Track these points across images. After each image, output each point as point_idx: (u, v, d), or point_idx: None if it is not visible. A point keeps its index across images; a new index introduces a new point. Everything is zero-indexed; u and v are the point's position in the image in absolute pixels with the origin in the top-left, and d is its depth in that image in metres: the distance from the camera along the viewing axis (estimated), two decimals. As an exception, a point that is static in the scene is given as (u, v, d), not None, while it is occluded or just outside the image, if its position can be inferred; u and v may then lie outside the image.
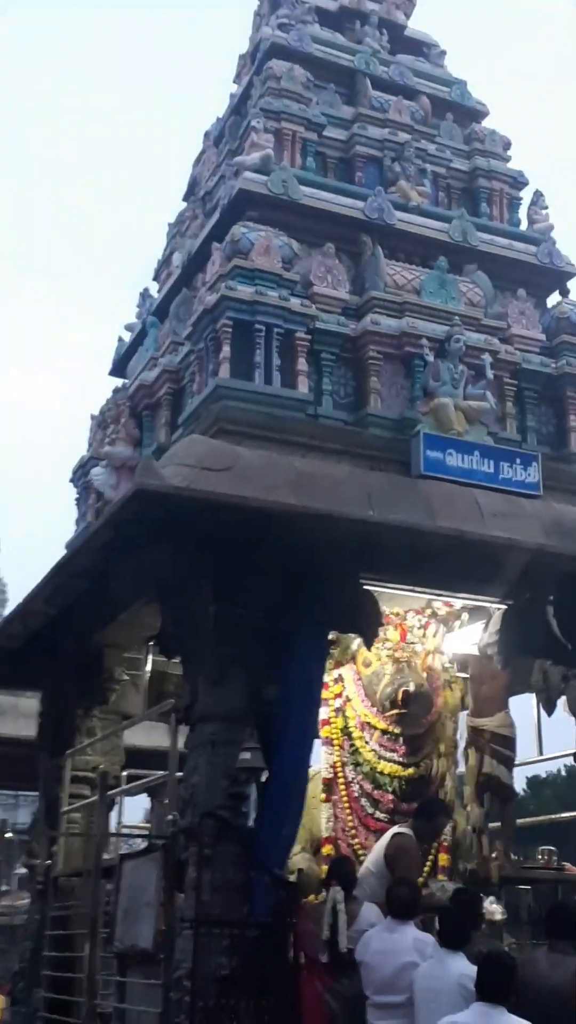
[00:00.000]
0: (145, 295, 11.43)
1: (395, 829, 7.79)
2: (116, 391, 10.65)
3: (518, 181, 10.37)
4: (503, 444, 8.49)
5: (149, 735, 10.20)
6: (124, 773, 10.26)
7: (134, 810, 14.51)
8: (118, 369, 11.34)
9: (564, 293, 9.88)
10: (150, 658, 8.88)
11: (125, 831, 11.55)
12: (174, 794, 7.00)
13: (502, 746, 8.87)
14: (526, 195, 10.35)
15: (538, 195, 10.30)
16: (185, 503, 6.41)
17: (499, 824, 9.06)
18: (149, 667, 8.95)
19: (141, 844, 9.37)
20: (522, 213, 10.30)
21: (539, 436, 9.03)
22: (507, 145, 10.54)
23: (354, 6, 11.01)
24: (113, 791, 9.75)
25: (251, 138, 9.17)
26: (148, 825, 12.69)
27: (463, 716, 9.13)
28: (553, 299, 9.86)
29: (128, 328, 11.41)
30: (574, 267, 9.92)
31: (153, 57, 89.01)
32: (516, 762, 9.27)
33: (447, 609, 8.87)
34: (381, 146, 9.77)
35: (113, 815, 10.46)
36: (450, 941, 5.66)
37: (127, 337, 11.35)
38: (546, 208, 10.23)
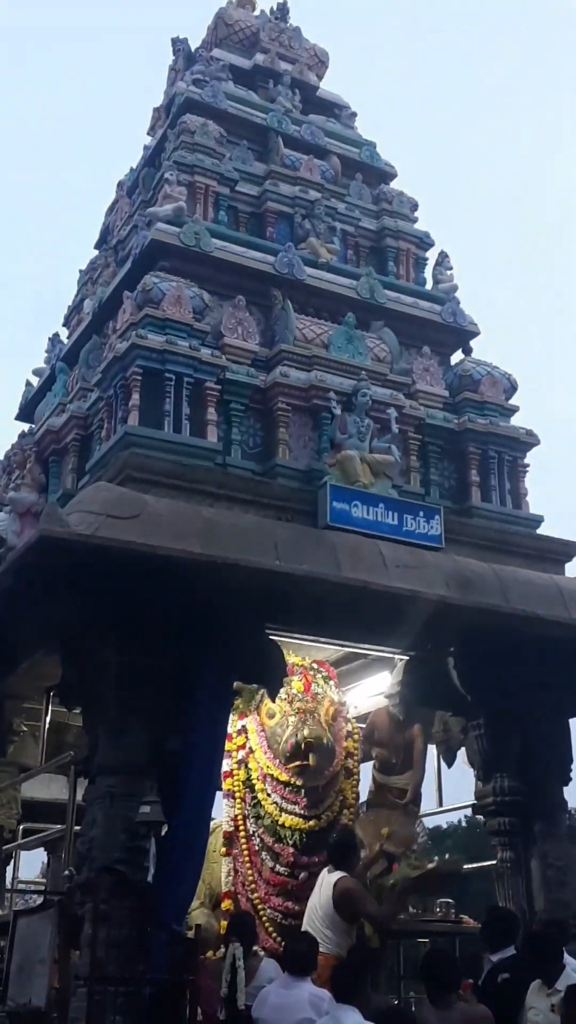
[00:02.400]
0: (55, 340, 11.39)
1: (333, 878, 7.35)
2: (22, 436, 10.53)
3: (424, 242, 10.66)
4: (407, 497, 8.63)
5: (48, 788, 9.98)
6: (21, 827, 10.02)
7: (31, 865, 14.12)
8: (25, 414, 11.23)
9: (467, 351, 10.14)
10: (50, 708, 8.71)
11: (20, 886, 11.24)
12: (71, 848, 6.86)
13: (412, 803, 8.91)
14: (432, 255, 10.63)
15: (443, 256, 10.57)
16: (90, 551, 6.35)
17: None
18: (49, 718, 8.78)
19: (37, 900, 9.13)
20: (428, 273, 10.57)
21: (442, 490, 9.21)
22: (414, 206, 10.84)
23: (268, 65, 11.26)
24: (9, 845, 9.52)
25: (164, 190, 9.27)
26: (44, 880, 12.38)
27: (364, 768, 9.16)
28: (456, 357, 10.12)
29: (36, 373, 11.34)
30: (477, 326, 10.21)
31: (68, 100, 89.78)
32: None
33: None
34: (292, 203, 9.95)
35: (8, 870, 10.19)
36: (345, 996, 5.61)
37: (35, 382, 11.26)
38: (451, 269, 10.51)
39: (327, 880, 7.38)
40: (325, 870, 7.53)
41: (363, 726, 9.35)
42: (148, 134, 11.57)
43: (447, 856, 9.12)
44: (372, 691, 9.48)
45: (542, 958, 5.94)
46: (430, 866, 8.45)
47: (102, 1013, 6.04)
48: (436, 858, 8.89)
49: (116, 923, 6.34)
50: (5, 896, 9.71)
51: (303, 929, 7.19)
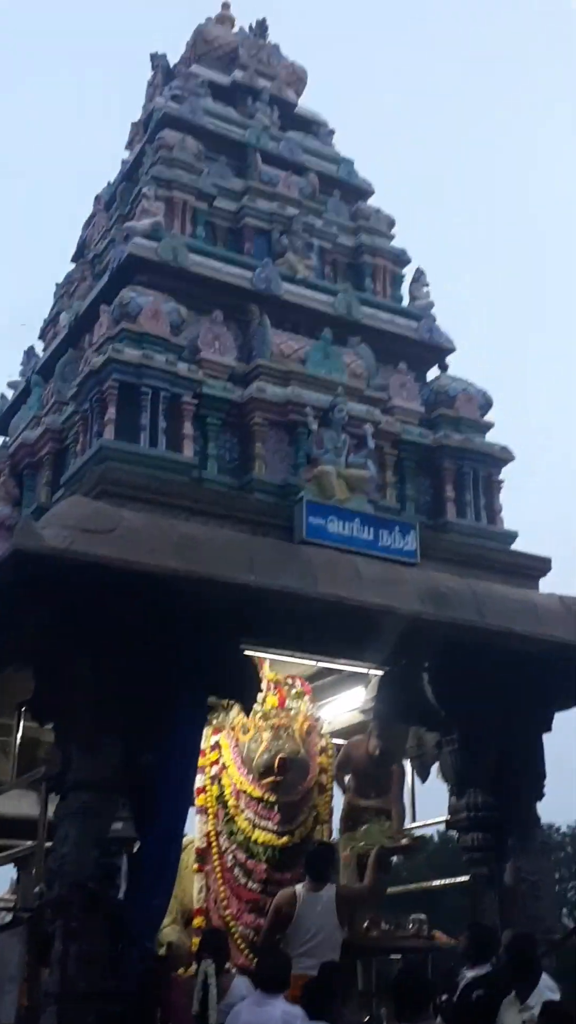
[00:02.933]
0: (30, 353, 11.35)
1: (330, 892, 7.48)
2: (-4, 448, 10.49)
3: (401, 258, 10.71)
4: (383, 512, 8.63)
5: (18, 804, 9.87)
6: (-10, 843, 9.90)
7: (-1, 881, 13.99)
8: (-1, 426, 11.19)
9: (443, 368, 10.19)
10: (22, 723, 8.65)
11: (-11, 903, 11.13)
12: (42, 865, 6.80)
13: (386, 819, 8.94)
14: (408, 272, 10.70)
15: (420, 273, 10.64)
16: (64, 565, 6.32)
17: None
18: (20, 733, 8.71)
19: (6, 917, 9.04)
20: (404, 289, 10.63)
21: (417, 505, 9.23)
22: (391, 224, 10.89)
23: (246, 82, 11.29)
24: (-22, 861, 9.41)
25: (142, 204, 9.28)
26: (14, 897, 12.26)
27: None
28: (433, 373, 10.17)
29: (11, 385, 11.29)
30: (452, 343, 10.26)
31: (45, 114, 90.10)
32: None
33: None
34: (270, 219, 9.98)
35: (-22, 886, 10.08)
36: (316, 1013, 5.59)
37: (10, 395, 11.22)
38: (427, 285, 10.57)
39: (326, 895, 7.37)
40: (302, 888, 7.45)
41: (338, 741, 9.34)
42: (126, 149, 11.59)
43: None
44: (346, 706, 9.48)
45: (516, 973, 5.94)
46: (404, 842, 8.57)
47: (73, 1031, 5.98)
48: (408, 834, 8.96)
49: (87, 940, 6.30)
50: (-25, 913, 9.60)
51: (310, 948, 7.12)
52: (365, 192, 11.25)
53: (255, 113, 11.03)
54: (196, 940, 7.83)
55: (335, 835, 9.13)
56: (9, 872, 13.17)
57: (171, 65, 11.52)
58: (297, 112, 11.64)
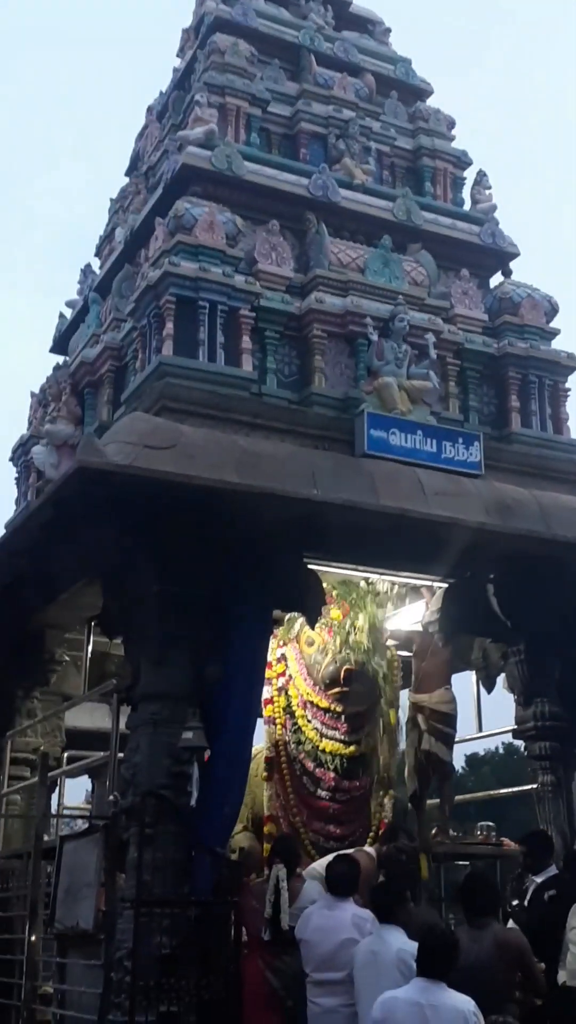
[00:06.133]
0: (87, 271, 11.28)
1: (366, 848, 7.67)
2: (57, 368, 10.49)
3: (462, 161, 10.38)
4: (446, 424, 8.52)
5: (91, 716, 10.12)
6: (65, 754, 10.18)
7: (75, 792, 14.45)
8: (59, 346, 11.18)
9: (507, 274, 9.92)
10: (92, 638, 8.80)
11: (65, 812, 11.48)
12: (115, 775, 6.96)
13: (441, 723, 8.91)
14: (470, 175, 10.37)
15: (482, 175, 10.30)
16: (128, 481, 6.33)
17: (438, 800, 9.15)
18: (90, 647, 8.87)
19: (82, 825, 9.32)
20: (466, 193, 10.32)
21: (481, 416, 9.08)
22: (451, 124, 10.54)
23: (298, -20, 10.91)
24: (54, 772, 9.67)
25: (195, 113, 9.07)
26: (89, 806, 12.63)
27: (404, 694, 9.19)
28: (496, 279, 9.91)
29: (69, 304, 11.25)
30: (516, 248, 9.97)
31: (95, 28, 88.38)
32: (456, 739, 9.36)
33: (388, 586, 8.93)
34: (325, 123, 9.71)
35: (53, 796, 10.37)
36: (387, 916, 5.70)
37: (68, 314, 11.18)
38: (489, 188, 10.25)
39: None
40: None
41: (403, 654, 9.36)
42: (177, 56, 11.29)
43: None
44: (411, 618, 9.47)
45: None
46: None
47: (148, 935, 6.16)
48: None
49: (161, 847, 6.45)
50: (51, 821, 9.90)
51: None
52: (424, 92, 10.89)
53: (308, 13, 10.68)
54: (267, 846, 8.01)
55: (402, 745, 9.19)
56: (84, 783, 13.57)
57: (221, -35, 11.12)
58: (351, 11, 11.27)
